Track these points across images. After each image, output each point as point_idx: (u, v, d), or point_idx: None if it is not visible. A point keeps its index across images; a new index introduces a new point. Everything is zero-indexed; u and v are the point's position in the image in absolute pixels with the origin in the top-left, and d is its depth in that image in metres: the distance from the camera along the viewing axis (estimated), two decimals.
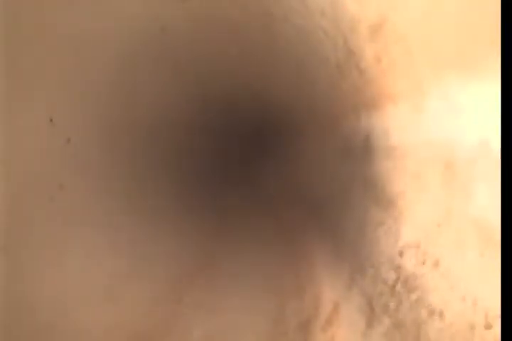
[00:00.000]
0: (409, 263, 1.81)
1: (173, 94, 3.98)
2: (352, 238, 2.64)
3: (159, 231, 3.36)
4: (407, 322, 1.65)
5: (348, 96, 2.83)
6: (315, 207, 4.08)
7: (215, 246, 3.71)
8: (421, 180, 1.80)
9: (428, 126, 1.75)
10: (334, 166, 3.63)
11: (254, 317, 2.58)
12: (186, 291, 2.88)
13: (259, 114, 6.02)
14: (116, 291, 2.48)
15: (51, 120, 2.17)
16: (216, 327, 2.50)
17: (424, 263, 1.69)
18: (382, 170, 2.28)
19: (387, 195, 2.17)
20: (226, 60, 3.90)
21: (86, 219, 2.51)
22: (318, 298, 2.59)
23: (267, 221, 4.48)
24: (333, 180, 3.61)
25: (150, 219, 3.33)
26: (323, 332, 2.26)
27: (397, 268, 1.89)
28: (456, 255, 1.42)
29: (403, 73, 1.91)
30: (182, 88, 4.05)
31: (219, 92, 4.83)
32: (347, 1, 2.02)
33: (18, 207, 1.91)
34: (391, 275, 1.92)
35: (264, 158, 7.05)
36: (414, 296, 1.67)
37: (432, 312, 1.52)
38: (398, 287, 1.82)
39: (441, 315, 1.46)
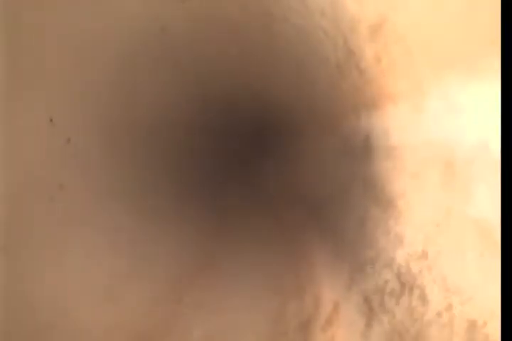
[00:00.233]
0: (408, 263, 1.81)
1: (173, 94, 3.99)
2: (352, 238, 2.64)
3: (159, 231, 3.36)
4: (407, 322, 1.65)
5: (348, 96, 2.83)
6: (315, 207, 4.08)
7: (215, 246, 3.71)
8: (421, 180, 1.80)
9: (428, 126, 1.75)
10: (334, 166, 3.63)
11: (254, 317, 2.58)
12: (186, 291, 2.88)
13: (259, 114, 6.01)
14: (116, 291, 2.48)
15: (51, 120, 2.17)
16: (216, 327, 2.50)
17: (423, 263, 1.69)
18: (382, 170, 2.28)
19: (387, 195, 2.17)
20: (226, 60, 3.90)
21: (86, 219, 2.51)
22: (318, 298, 2.60)
23: (267, 221, 4.48)
24: (333, 180, 3.61)
25: (150, 219, 3.33)
26: (323, 332, 2.26)
27: (397, 268, 1.89)
28: (456, 255, 1.42)
29: (403, 73, 1.91)
30: (182, 88, 4.05)
31: (219, 92, 4.83)
32: (347, 1, 2.02)
33: (18, 207, 1.91)
34: (391, 276, 1.92)
35: (264, 158, 7.05)
36: (413, 296, 1.67)
37: (431, 312, 1.52)
38: (398, 287, 1.82)
39: (440, 315, 1.46)
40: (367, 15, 1.97)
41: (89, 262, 2.40)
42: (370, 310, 1.97)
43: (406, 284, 1.76)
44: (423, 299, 1.60)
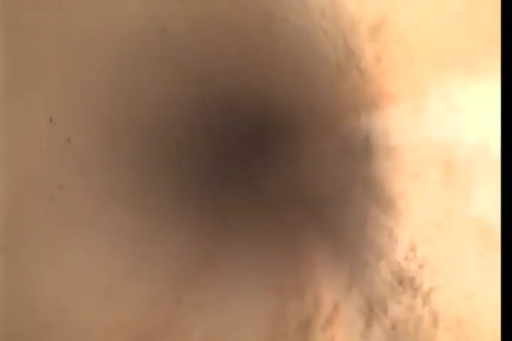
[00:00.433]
0: (408, 263, 1.81)
1: (173, 94, 3.99)
2: (352, 238, 2.64)
3: (159, 231, 3.36)
4: (407, 322, 1.65)
5: (348, 96, 2.84)
6: (315, 207, 4.08)
7: (215, 246, 3.71)
8: (420, 180, 1.80)
9: (428, 126, 1.75)
10: (334, 166, 3.63)
11: (254, 317, 2.58)
12: (186, 291, 2.88)
13: (259, 113, 6.02)
14: (116, 291, 2.48)
15: (51, 120, 2.17)
16: (216, 327, 2.50)
17: (423, 263, 1.69)
18: (382, 170, 2.28)
19: (386, 195, 2.17)
20: (226, 60, 3.90)
21: (86, 219, 2.51)
22: (318, 298, 2.60)
23: (267, 221, 4.48)
24: (333, 180, 3.61)
25: (150, 219, 3.33)
26: (323, 332, 2.26)
27: (397, 268, 1.89)
28: (456, 255, 1.42)
29: (403, 73, 1.91)
30: (182, 88, 4.05)
31: (219, 92, 4.83)
32: (347, 1, 2.02)
33: (18, 207, 1.91)
34: (391, 275, 1.92)
35: (264, 158, 7.05)
36: (413, 296, 1.67)
37: (431, 312, 1.52)
38: (397, 287, 1.82)
39: (440, 314, 1.46)
40: (367, 15, 1.97)
41: (89, 262, 2.40)
42: (370, 310, 1.97)
43: (406, 284, 1.76)
44: (423, 299, 1.60)
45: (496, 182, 1.17)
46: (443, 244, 1.53)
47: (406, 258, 1.85)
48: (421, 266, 1.70)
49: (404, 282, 1.79)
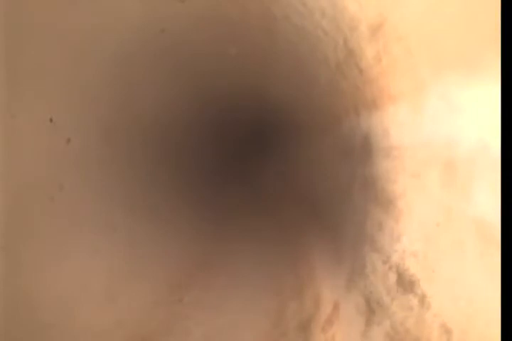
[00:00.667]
0: (408, 263, 1.81)
1: (172, 94, 3.99)
2: (352, 238, 2.64)
3: (159, 231, 3.36)
4: (407, 322, 1.65)
5: (348, 96, 2.83)
6: (315, 207, 4.08)
7: (215, 246, 3.71)
8: (420, 180, 1.80)
9: (428, 126, 1.75)
10: (334, 166, 3.63)
11: (254, 317, 2.58)
12: (186, 291, 2.88)
13: (259, 113, 6.02)
14: (116, 291, 2.48)
15: (51, 120, 2.17)
16: (216, 327, 2.50)
17: (423, 263, 1.69)
18: (382, 170, 2.28)
19: (387, 194, 2.17)
20: (226, 60, 3.90)
21: (86, 219, 2.51)
22: (318, 298, 2.60)
23: (267, 221, 4.48)
24: (333, 180, 3.61)
25: (150, 219, 3.33)
26: (323, 332, 2.26)
27: (397, 268, 1.89)
28: (456, 255, 1.42)
29: (403, 73, 1.91)
30: (182, 88, 4.05)
31: (219, 92, 4.83)
32: (347, 1, 2.02)
33: (18, 207, 1.91)
34: (391, 276, 1.92)
35: (264, 158, 7.05)
36: (413, 296, 1.67)
37: (431, 313, 1.52)
38: (398, 287, 1.82)
39: (440, 315, 1.46)
40: (367, 15, 1.97)
41: (89, 262, 2.40)
42: (370, 310, 1.97)
43: (406, 284, 1.76)
44: (423, 299, 1.60)
45: (496, 182, 1.17)
46: (443, 243, 1.53)
47: (406, 258, 1.85)
48: (421, 266, 1.70)
49: (404, 282, 1.79)
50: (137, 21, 2.70)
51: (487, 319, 1.20)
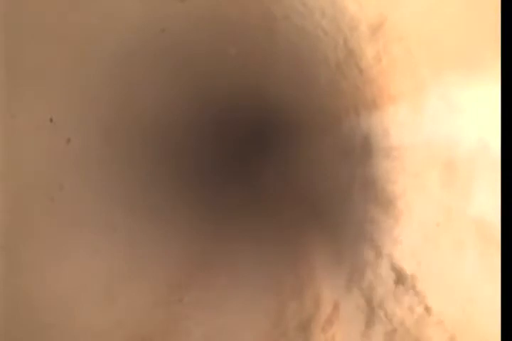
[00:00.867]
0: (408, 263, 1.81)
1: (172, 94, 3.99)
2: (352, 238, 2.64)
3: (159, 231, 3.36)
4: (407, 322, 1.65)
5: (348, 96, 2.83)
6: (315, 207, 4.08)
7: (215, 246, 3.71)
8: (420, 180, 1.80)
9: (428, 126, 1.75)
10: (334, 166, 3.63)
11: (254, 317, 2.58)
12: (186, 291, 2.88)
13: (259, 113, 6.01)
14: (116, 291, 2.48)
15: (51, 120, 2.17)
16: (216, 327, 2.50)
17: (423, 263, 1.69)
18: (382, 170, 2.28)
19: (387, 195, 2.17)
20: (226, 60, 3.90)
21: (86, 219, 2.51)
22: (318, 298, 2.60)
23: (267, 221, 4.48)
24: (333, 180, 3.61)
25: (150, 219, 3.33)
26: (323, 332, 2.26)
27: (397, 268, 1.89)
28: (456, 255, 1.42)
29: (403, 73, 1.91)
30: (182, 88, 4.05)
31: (219, 92, 4.83)
32: (347, 1, 2.02)
33: (18, 207, 1.91)
34: (390, 275, 1.92)
35: (264, 158, 7.05)
36: (413, 296, 1.67)
37: (431, 313, 1.52)
38: (398, 287, 1.82)
39: (440, 315, 1.46)
40: (367, 14, 1.97)
41: (89, 262, 2.40)
42: (370, 310, 1.97)
43: (406, 284, 1.76)
44: (423, 299, 1.60)
45: (496, 182, 1.17)
46: (443, 243, 1.53)
47: (406, 258, 1.85)
48: (421, 266, 1.70)
49: (404, 282, 1.79)
50: (137, 21, 2.70)
51: (487, 319, 1.20)
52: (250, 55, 3.80)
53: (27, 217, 1.98)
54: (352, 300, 2.21)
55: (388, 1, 1.77)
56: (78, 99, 2.46)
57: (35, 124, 2.06)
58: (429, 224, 1.66)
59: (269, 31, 3.16)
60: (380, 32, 1.94)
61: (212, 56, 3.79)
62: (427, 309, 1.55)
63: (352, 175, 2.96)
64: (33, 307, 1.90)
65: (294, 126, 5.41)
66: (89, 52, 2.43)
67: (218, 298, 2.83)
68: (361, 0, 1.93)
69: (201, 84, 4.31)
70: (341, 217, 3.04)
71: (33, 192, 2.04)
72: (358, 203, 2.73)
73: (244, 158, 6.97)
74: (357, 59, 2.35)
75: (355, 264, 2.41)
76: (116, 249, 2.72)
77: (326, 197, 3.79)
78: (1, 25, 1.72)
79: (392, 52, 1.93)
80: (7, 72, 1.78)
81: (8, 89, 1.80)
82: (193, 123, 4.96)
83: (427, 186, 1.71)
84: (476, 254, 1.29)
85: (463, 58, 1.41)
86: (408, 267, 1.80)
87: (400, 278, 1.83)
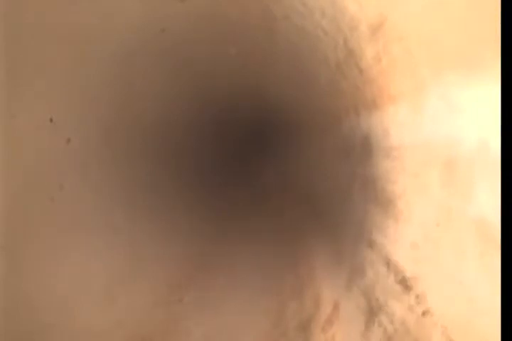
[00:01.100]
0: (408, 263, 1.81)
1: (172, 94, 3.98)
2: (352, 238, 2.64)
3: (159, 231, 3.36)
4: (407, 322, 1.65)
5: (348, 96, 2.83)
6: (315, 207, 4.08)
7: (215, 246, 3.71)
8: (420, 180, 1.80)
9: (428, 126, 1.75)
10: (334, 166, 3.63)
11: (254, 317, 2.58)
12: (186, 291, 2.88)
13: (259, 113, 6.01)
14: (115, 291, 2.48)
15: (51, 120, 2.17)
16: (216, 327, 2.50)
17: (423, 263, 1.69)
18: (382, 170, 2.28)
19: (387, 195, 2.17)
20: (225, 60, 3.90)
21: (86, 219, 2.51)
22: (318, 298, 2.60)
23: (267, 221, 4.48)
24: (333, 180, 3.61)
25: (150, 220, 3.33)
26: (323, 332, 2.26)
27: (397, 268, 1.89)
28: (456, 255, 1.42)
29: (403, 73, 1.91)
30: (182, 88, 4.05)
31: (218, 92, 4.83)
32: (347, 1, 2.02)
33: (18, 207, 1.91)
34: (390, 275, 1.92)
35: (264, 158, 7.05)
36: (413, 296, 1.67)
37: (431, 313, 1.52)
38: (398, 287, 1.82)
39: (440, 315, 1.46)
40: (367, 14, 1.97)
41: (89, 262, 2.40)
42: (370, 310, 1.97)
43: (406, 284, 1.76)
44: (423, 299, 1.60)
45: (496, 182, 1.17)
46: (443, 244, 1.53)
47: (406, 258, 1.85)
48: (421, 266, 1.70)
49: (404, 282, 1.79)
50: (137, 21, 2.69)
51: (487, 319, 1.20)
52: (250, 55, 3.80)
53: (27, 217, 1.98)
54: (352, 300, 2.21)
55: (388, 1, 1.77)
56: (78, 99, 2.46)
57: (35, 124, 2.06)
58: (429, 224, 1.66)
59: (269, 31, 3.16)
60: (380, 32, 1.94)
61: (212, 56, 3.79)
62: (427, 309, 1.55)
63: (352, 175, 2.96)
64: (33, 307, 1.90)
65: (294, 126, 5.41)
66: (89, 52, 2.43)
67: (218, 298, 2.83)
68: (361, 0, 1.93)
69: (201, 84, 4.31)
70: (341, 217, 3.04)
71: (33, 192, 2.04)
72: (358, 203, 2.73)
73: (244, 158, 6.97)
74: (357, 59, 2.35)
75: (355, 264, 2.41)
76: (116, 249, 2.72)
77: (326, 197, 3.79)
78: (1, 25, 1.72)
79: (392, 52, 1.93)
80: (7, 72, 1.78)
81: (8, 89, 1.80)
82: (193, 123, 4.96)
83: (427, 186, 1.71)
84: (476, 254, 1.29)
85: (463, 58, 1.41)
86: (408, 267, 1.80)
87: (400, 277, 1.83)
